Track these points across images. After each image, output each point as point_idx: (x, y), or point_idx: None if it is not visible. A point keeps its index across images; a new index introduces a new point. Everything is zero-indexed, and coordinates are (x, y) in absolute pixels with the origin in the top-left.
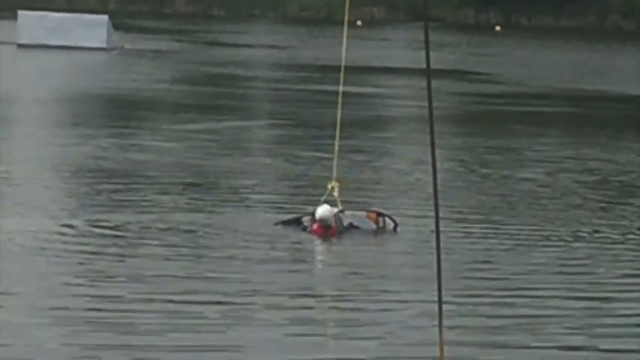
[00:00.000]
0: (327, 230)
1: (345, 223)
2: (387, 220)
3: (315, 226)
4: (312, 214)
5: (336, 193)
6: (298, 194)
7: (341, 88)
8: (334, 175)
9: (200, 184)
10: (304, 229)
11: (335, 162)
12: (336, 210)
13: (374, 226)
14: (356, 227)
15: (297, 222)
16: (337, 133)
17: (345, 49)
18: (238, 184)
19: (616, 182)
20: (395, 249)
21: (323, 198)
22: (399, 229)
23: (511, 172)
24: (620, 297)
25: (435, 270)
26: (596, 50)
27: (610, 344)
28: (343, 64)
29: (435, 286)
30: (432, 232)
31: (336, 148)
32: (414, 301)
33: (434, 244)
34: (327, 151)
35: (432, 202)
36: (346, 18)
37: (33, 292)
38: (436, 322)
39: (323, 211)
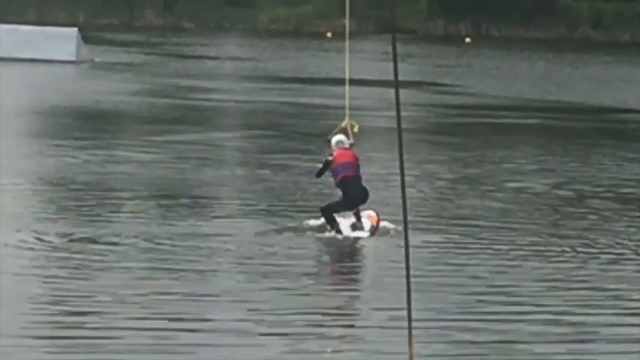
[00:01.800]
0: (347, 150)
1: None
2: (387, 225)
3: (335, 153)
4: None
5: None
6: (274, 204)
7: (347, 99)
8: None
9: (172, 196)
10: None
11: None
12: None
13: (372, 225)
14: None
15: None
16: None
17: (348, 60)
18: (211, 195)
19: (590, 193)
20: (368, 261)
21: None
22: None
23: (483, 185)
24: (603, 321)
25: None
26: (566, 61)
27: None
28: (347, 73)
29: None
30: (399, 246)
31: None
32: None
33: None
34: (297, 160)
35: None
36: (347, 29)
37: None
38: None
39: (338, 136)
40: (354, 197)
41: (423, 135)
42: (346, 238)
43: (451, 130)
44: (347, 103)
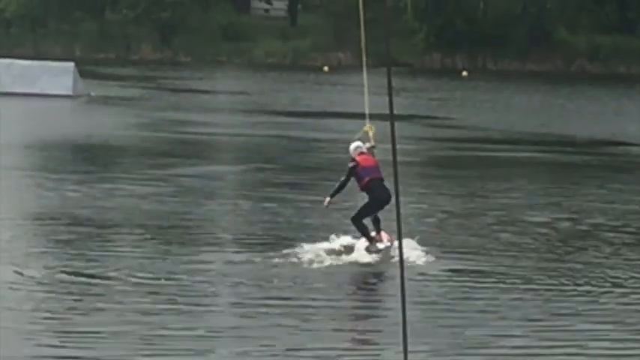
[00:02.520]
0: (367, 154)
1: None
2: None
3: (358, 158)
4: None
5: (371, 134)
6: (270, 236)
7: (366, 105)
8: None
9: (167, 229)
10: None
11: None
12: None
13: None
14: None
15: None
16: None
17: (367, 93)
18: (207, 228)
19: (584, 226)
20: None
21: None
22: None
23: (479, 218)
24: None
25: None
26: (563, 94)
27: None
28: (367, 106)
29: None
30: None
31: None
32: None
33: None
34: (293, 193)
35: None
36: (364, 60)
37: None
38: None
39: (355, 142)
40: (380, 199)
41: (419, 168)
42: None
43: (447, 163)
44: (367, 109)
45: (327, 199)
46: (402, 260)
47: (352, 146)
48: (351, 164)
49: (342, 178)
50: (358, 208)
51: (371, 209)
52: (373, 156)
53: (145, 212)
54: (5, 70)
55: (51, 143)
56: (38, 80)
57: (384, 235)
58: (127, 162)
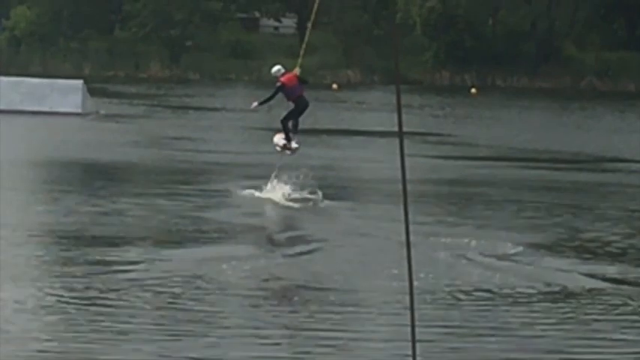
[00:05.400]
0: (289, 73)
1: None
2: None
3: (283, 79)
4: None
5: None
6: (283, 251)
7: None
8: None
9: (178, 245)
10: None
11: None
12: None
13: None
14: None
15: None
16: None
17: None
18: (217, 244)
19: (592, 246)
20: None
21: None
22: None
23: (493, 239)
24: None
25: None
26: (572, 111)
27: None
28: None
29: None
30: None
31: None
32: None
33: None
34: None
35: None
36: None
37: None
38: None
39: (275, 67)
40: (302, 108)
41: (428, 186)
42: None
43: (456, 182)
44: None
45: (255, 103)
46: (410, 269)
47: (274, 69)
48: (278, 84)
49: (270, 94)
50: (285, 113)
51: (294, 114)
52: (295, 74)
53: (153, 229)
54: (15, 88)
55: (60, 161)
56: (47, 98)
57: (294, 142)
58: (136, 179)
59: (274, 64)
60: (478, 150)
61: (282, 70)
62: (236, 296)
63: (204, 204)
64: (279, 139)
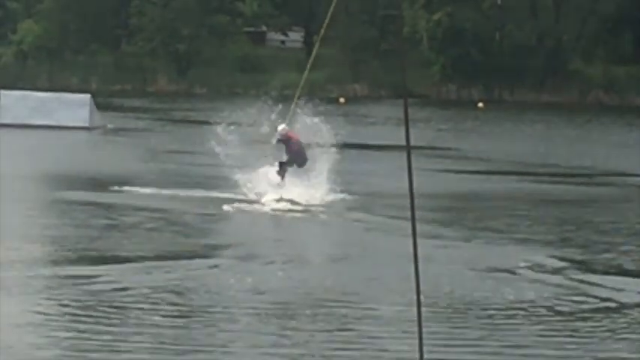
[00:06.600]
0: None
1: None
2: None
3: (291, 135)
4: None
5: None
6: (291, 265)
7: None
8: None
9: (187, 259)
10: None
11: None
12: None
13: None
14: None
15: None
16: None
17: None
18: (223, 256)
19: (601, 259)
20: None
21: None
22: None
23: (500, 254)
24: None
25: None
26: (579, 125)
27: None
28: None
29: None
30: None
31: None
32: None
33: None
34: None
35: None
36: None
37: None
38: None
39: (281, 126)
40: (302, 163)
41: (435, 200)
42: None
43: (463, 196)
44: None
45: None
46: (417, 274)
47: (281, 127)
48: (288, 140)
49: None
50: (285, 159)
51: (292, 165)
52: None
53: (165, 244)
54: (22, 102)
55: (67, 175)
56: (55, 112)
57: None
58: (145, 195)
59: (280, 123)
60: (490, 164)
61: (287, 129)
62: (243, 309)
63: (211, 217)
64: (273, 176)
